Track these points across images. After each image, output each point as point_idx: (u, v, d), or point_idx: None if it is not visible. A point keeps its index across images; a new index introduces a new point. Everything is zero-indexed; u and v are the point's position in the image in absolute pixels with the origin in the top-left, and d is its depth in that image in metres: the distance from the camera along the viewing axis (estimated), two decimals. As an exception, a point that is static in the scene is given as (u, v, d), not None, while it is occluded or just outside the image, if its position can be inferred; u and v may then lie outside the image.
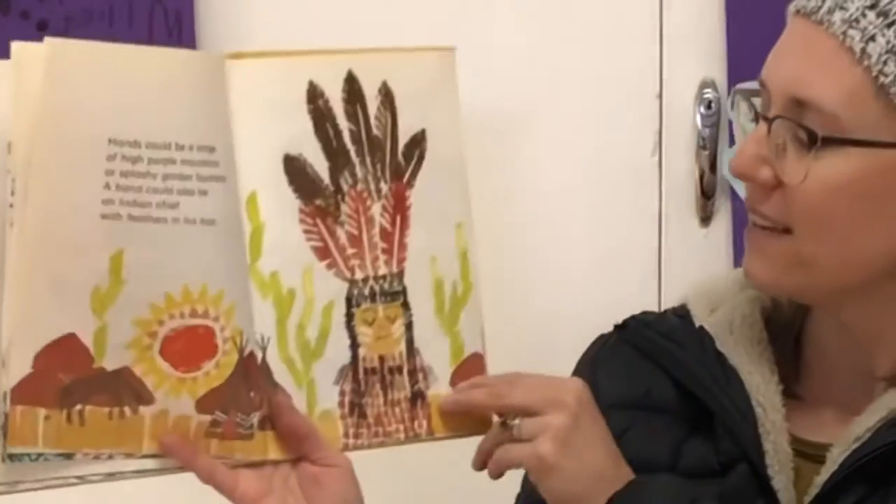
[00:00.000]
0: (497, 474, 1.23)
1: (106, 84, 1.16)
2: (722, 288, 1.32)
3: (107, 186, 1.15)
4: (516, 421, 1.21)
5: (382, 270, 1.26)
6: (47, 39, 1.14)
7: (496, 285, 1.64)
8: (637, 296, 1.60)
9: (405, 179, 1.27)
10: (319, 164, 1.23)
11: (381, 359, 1.27)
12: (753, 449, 1.22)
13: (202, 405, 1.19)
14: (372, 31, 1.62)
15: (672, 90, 1.62)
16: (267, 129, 1.21)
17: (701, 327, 1.29)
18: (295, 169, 1.22)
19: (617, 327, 1.36)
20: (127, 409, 1.17)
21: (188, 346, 1.19)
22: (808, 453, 1.23)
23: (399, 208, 1.27)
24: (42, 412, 1.15)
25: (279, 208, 1.21)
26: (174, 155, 1.17)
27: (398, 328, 1.27)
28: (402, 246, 1.27)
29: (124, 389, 1.17)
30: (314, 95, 1.23)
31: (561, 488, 1.20)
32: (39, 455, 1.15)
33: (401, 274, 1.27)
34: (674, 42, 1.62)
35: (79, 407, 1.16)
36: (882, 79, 1.15)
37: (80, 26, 1.60)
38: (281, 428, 1.22)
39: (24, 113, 1.14)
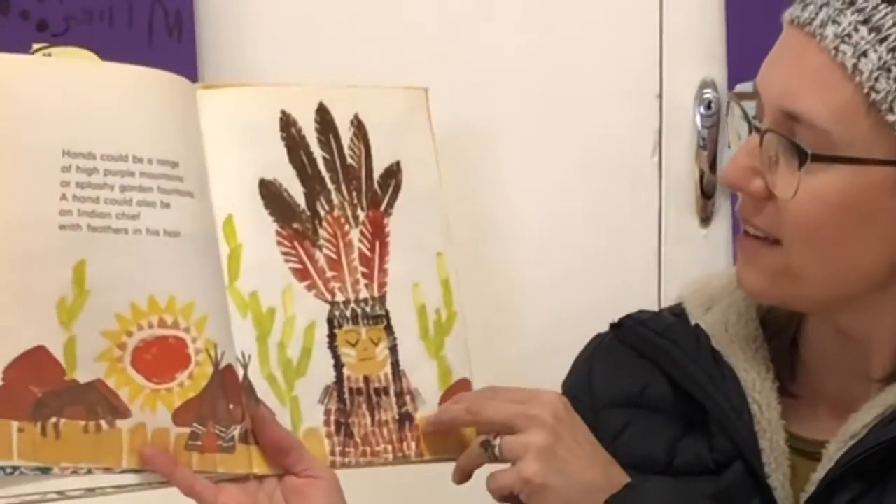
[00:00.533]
0: (500, 498, 1.24)
1: (58, 97, 1.17)
2: (717, 286, 1.33)
3: (63, 197, 1.16)
4: (497, 440, 1.21)
5: (364, 294, 1.28)
6: (-1, 54, 1.15)
7: (496, 285, 1.64)
8: (637, 296, 1.60)
9: (382, 208, 1.29)
10: (295, 189, 1.25)
11: (367, 379, 1.28)
12: (749, 447, 1.22)
13: (179, 417, 1.19)
14: (372, 31, 1.62)
15: (672, 90, 1.62)
16: (241, 155, 1.23)
17: (696, 325, 1.30)
18: (270, 193, 1.24)
19: (613, 326, 1.36)
20: (103, 423, 1.17)
21: (159, 357, 1.19)
22: (805, 450, 1.23)
23: (378, 235, 1.28)
24: (15, 425, 1.14)
25: (256, 230, 1.23)
26: (132, 167, 1.18)
27: (382, 350, 1.28)
28: (383, 271, 1.29)
29: (99, 402, 1.17)
30: (287, 124, 1.26)
31: None
32: (15, 468, 1.15)
33: (382, 298, 1.28)
34: (674, 42, 1.62)
35: (53, 420, 1.16)
36: (873, 95, 1.15)
37: (80, 26, 1.60)
38: (264, 441, 1.22)
39: None
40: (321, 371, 1.26)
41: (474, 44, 1.62)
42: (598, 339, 1.39)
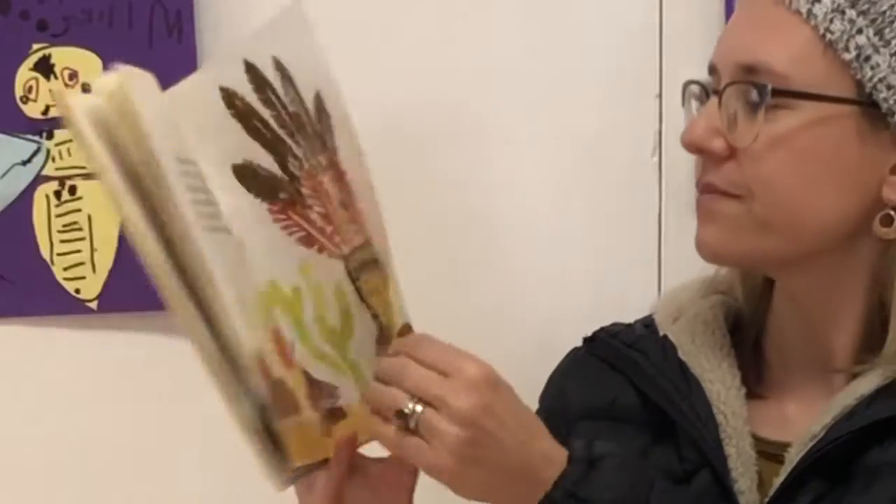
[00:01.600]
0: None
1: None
2: (687, 296, 1.34)
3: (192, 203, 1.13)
4: (415, 408, 1.14)
5: (357, 241, 1.25)
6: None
7: (495, 285, 1.64)
8: (637, 296, 1.60)
9: (328, 146, 1.24)
10: (264, 160, 1.20)
11: (396, 325, 1.26)
12: (716, 454, 1.23)
13: (312, 401, 1.20)
14: (371, 30, 1.62)
15: (672, 90, 1.62)
16: (204, 152, 1.17)
17: (665, 336, 1.30)
18: (246, 175, 1.19)
19: (586, 340, 1.37)
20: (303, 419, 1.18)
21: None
22: (771, 453, 1.24)
23: (339, 175, 1.24)
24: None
25: (251, 218, 1.18)
26: (190, 169, 1.15)
27: (392, 295, 1.26)
28: (359, 212, 1.25)
29: (291, 398, 1.18)
30: (230, 99, 1.19)
31: (477, 494, 1.18)
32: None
33: (370, 241, 1.25)
34: (674, 42, 1.62)
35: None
36: (829, 36, 1.18)
37: (80, 26, 1.60)
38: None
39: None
40: (365, 326, 1.24)
41: (473, 43, 1.62)
42: (573, 352, 1.39)
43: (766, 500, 1.21)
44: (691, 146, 1.23)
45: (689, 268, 1.62)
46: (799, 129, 1.19)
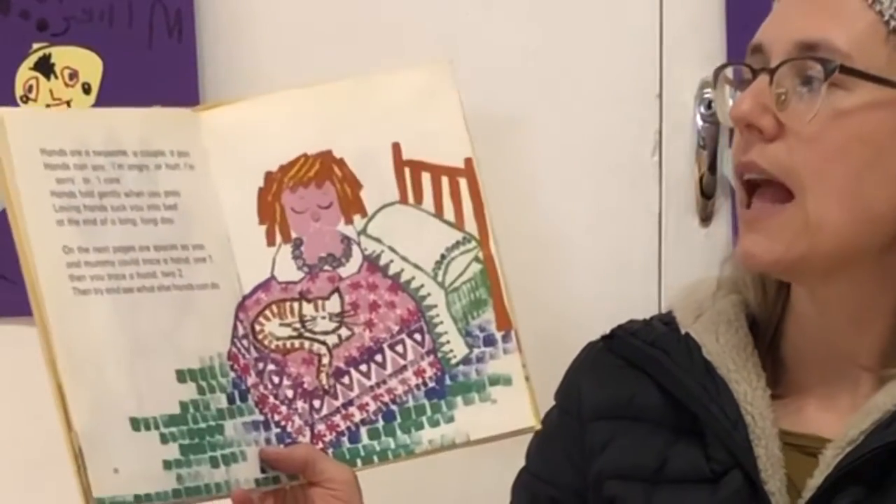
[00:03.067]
0: None
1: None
2: (705, 294, 1.32)
3: None
4: None
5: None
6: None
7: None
8: (637, 296, 1.60)
9: None
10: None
11: None
12: (746, 456, 1.22)
13: None
14: (371, 31, 1.62)
15: (672, 90, 1.62)
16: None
17: (687, 334, 1.29)
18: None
19: (604, 338, 1.36)
20: None
21: None
22: (799, 445, 1.23)
23: None
24: None
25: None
26: None
27: None
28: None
29: None
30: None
31: None
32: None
33: None
34: (674, 42, 1.62)
35: None
36: (893, 22, 1.17)
37: (80, 26, 1.60)
38: (283, 469, 1.27)
39: None
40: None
41: (473, 43, 1.62)
42: (590, 347, 1.39)
43: (804, 503, 1.20)
44: (740, 121, 1.19)
45: (689, 268, 1.63)
46: (856, 110, 1.17)
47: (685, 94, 1.62)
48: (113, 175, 1.23)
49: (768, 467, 1.22)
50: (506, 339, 1.31)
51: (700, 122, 1.62)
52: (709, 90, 1.62)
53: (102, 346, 1.19)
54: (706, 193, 1.63)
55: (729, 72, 1.27)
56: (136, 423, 1.18)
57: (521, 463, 1.42)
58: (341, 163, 1.33)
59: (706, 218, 1.64)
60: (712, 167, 1.62)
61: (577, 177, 1.63)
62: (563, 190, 1.63)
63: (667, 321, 1.33)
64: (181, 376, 1.22)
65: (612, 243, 1.63)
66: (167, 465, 1.19)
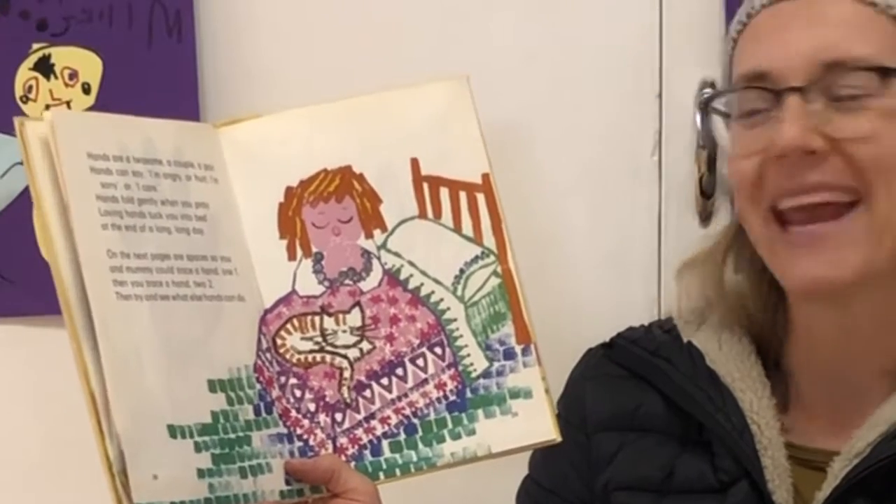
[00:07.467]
0: None
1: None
2: (705, 301, 1.32)
3: None
4: None
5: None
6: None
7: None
8: (637, 296, 1.60)
9: None
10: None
11: None
12: (754, 465, 1.22)
13: None
14: (371, 30, 1.62)
15: (672, 90, 1.62)
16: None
17: (689, 342, 1.29)
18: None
19: (604, 346, 1.36)
20: None
21: None
22: (805, 459, 1.23)
23: None
24: None
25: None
26: None
27: None
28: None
29: None
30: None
31: None
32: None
33: None
34: (674, 42, 1.62)
35: None
36: None
37: (79, 26, 1.60)
38: (308, 481, 1.27)
39: None
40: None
41: (472, 44, 1.62)
42: (590, 355, 1.38)
43: None
44: (797, 149, 1.17)
45: (688, 267, 1.62)
46: None
47: (685, 94, 1.62)
48: (150, 183, 1.23)
49: (775, 477, 1.22)
50: (525, 352, 1.31)
51: (700, 122, 1.62)
52: (708, 90, 1.62)
53: (143, 351, 1.18)
54: (706, 193, 1.63)
55: (719, 104, 1.27)
56: (173, 431, 1.18)
57: (524, 471, 1.42)
58: (361, 178, 1.33)
59: (706, 218, 1.64)
60: (712, 167, 1.62)
61: (577, 177, 1.63)
62: (563, 189, 1.63)
63: (667, 328, 1.33)
64: (212, 386, 1.22)
65: (611, 243, 1.63)
66: (201, 473, 1.18)
